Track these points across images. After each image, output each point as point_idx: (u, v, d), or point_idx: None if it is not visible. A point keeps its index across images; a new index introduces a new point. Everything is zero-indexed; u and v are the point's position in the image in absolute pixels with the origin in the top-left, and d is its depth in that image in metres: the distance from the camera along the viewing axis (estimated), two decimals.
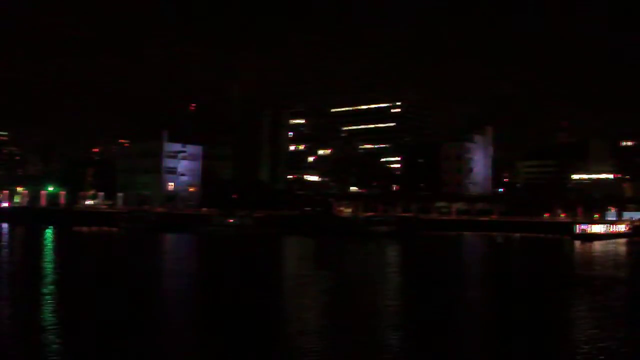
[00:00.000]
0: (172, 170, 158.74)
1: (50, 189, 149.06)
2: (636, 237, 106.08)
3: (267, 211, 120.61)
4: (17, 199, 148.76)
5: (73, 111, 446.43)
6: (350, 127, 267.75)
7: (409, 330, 30.90)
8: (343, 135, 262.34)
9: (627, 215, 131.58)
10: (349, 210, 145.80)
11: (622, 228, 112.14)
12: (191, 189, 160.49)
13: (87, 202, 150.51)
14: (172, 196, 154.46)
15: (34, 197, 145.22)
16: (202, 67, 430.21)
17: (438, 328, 30.96)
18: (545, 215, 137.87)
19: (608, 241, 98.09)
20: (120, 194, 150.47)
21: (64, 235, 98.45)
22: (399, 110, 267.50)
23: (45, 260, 61.48)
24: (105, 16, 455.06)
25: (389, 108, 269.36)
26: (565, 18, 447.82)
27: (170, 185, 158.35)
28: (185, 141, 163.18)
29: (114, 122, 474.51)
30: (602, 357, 25.47)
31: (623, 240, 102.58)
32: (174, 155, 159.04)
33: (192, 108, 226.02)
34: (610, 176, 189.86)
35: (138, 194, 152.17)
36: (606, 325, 31.68)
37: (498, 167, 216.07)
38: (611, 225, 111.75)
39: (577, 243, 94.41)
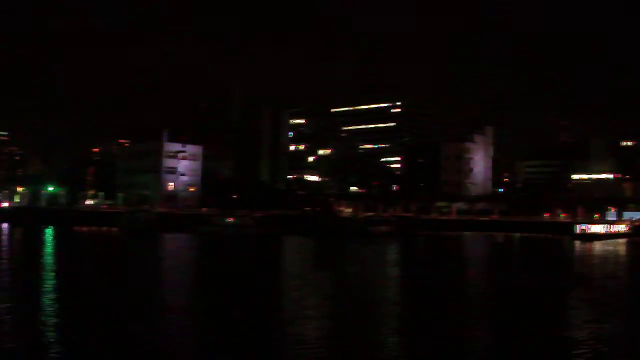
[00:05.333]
0: (172, 170, 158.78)
1: (50, 189, 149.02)
2: (636, 237, 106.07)
3: (267, 211, 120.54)
4: (17, 199, 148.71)
5: (73, 111, 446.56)
6: (350, 127, 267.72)
7: (408, 328, 30.95)
8: (343, 135, 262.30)
9: (627, 215, 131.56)
10: (349, 210, 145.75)
11: (622, 228, 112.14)
12: (191, 189, 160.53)
13: (87, 202, 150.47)
14: (172, 196, 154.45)
15: (34, 197, 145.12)
16: (203, 67, 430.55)
17: (435, 324, 31.00)
18: (545, 215, 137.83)
19: (608, 241, 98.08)
20: (120, 194, 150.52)
21: (64, 235, 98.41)
22: (399, 110, 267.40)
23: (45, 260, 61.45)
24: (105, 16, 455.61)
25: (389, 108, 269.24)
26: (565, 17, 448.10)
27: (170, 185, 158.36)
28: (185, 141, 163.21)
29: (114, 122, 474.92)
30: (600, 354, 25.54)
31: (623, 240, 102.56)
32: (174, 155, 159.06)
33: (192, 108, 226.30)
34: (610, 176, 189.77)
35: (138, 194, 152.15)
36: (604, 324, 31.73)
37: (498, 167, 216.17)
38: (611, 225, 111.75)
39: (577, 243, 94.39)
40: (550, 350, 26.72)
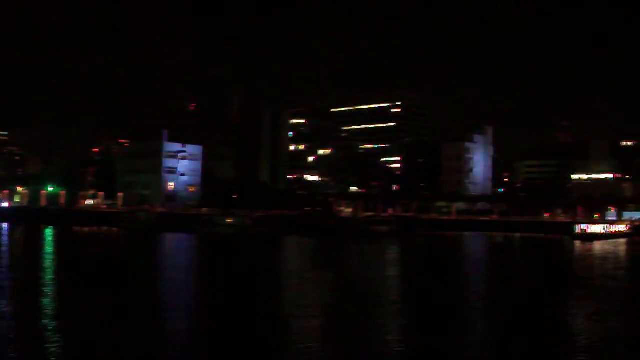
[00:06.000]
0: (172, 170, 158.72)
1: (50, 189, 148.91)
2: (636, 237, 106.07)
3: (267, 211, 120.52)
4: (17, 199, 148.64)
5: (73, 111, 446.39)
6: (350, 127, 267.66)
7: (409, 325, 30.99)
8: (343, 135, 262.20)
9: (627, 215, 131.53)
10: (349, 210, 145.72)
11: (622, 228, 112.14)
12: (191, 189, 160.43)
13: (87, 202, 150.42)
14: (172, 196, 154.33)
15: (34, 197, 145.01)
16: (203, 67, 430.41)
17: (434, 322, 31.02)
18: (545, 215, 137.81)
19: (608, 241, 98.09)
20: (120, 194, 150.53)
21: (64, 235, 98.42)
22: (399, 110, 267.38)
23: (45, 260, 61.43)
24: (105, 15, 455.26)
25: (389, 108, 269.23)
26: (565, 17, 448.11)
27: (170, 185, 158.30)
28: (185, 141, 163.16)
29: (114, 122, 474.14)
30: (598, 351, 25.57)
31: (623, 240, 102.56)
32: (174, 155, 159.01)
33: (192, 108, 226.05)
34: (610, 176, 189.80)
35: (138, 194, 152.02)
36: (602, 322, 31.76)
37: (498, 167, 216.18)
38: (611, 225, 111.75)
39: (577, 243, 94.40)
40: (550, 351, 26.74)
